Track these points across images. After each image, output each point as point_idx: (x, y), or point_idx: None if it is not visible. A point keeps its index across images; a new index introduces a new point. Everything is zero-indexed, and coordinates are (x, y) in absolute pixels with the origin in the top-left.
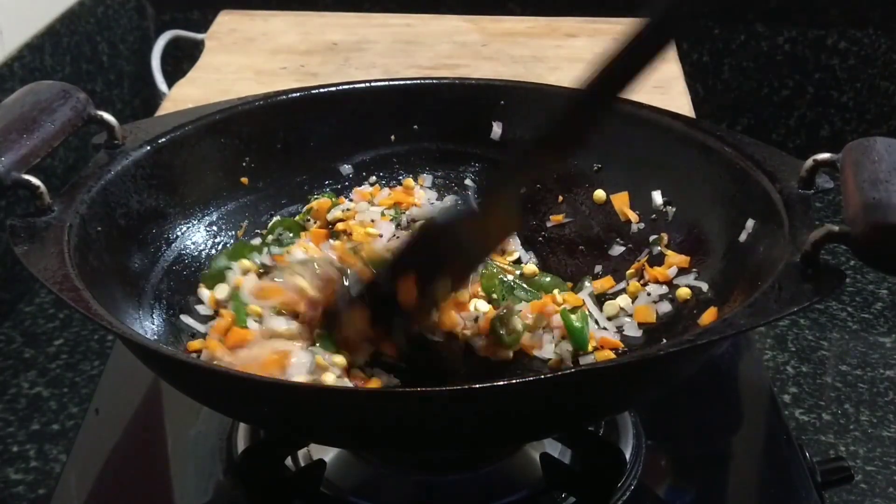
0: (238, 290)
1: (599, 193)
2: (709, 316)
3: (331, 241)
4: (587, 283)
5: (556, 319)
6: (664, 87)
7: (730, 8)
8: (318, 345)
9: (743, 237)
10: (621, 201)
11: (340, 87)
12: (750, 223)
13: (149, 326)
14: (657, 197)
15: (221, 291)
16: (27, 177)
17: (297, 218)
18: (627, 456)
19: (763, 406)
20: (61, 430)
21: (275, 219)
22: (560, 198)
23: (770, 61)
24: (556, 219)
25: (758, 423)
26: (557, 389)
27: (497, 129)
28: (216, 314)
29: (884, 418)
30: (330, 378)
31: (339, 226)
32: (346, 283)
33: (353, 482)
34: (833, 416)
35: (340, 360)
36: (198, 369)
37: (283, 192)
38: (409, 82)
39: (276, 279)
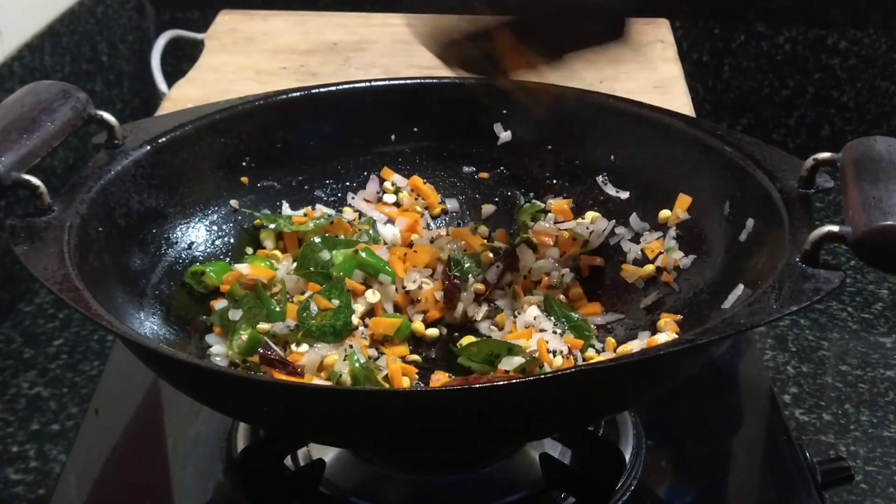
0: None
1: (665, 213)
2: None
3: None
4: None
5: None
6: (664, 87)
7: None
8: None
9: (743, 236)
10: (681, 204)
11: (340, 87)
12: (750, 222)
13: (149, 326)
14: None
15: None
16: (27, 177)
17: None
18: (627, 456)
19: (763, 406)
20: (61, 431)
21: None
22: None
23: (770, 61)
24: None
25: (758, 423)
26: (557, 389)
27: (498, 130)
28: None
29: (884, 418)
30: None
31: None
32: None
33: (352, 482)
34: (833, 417)
35: None
36: (198, 369)
37: (284, 191)
38: (409, 82)
39: None
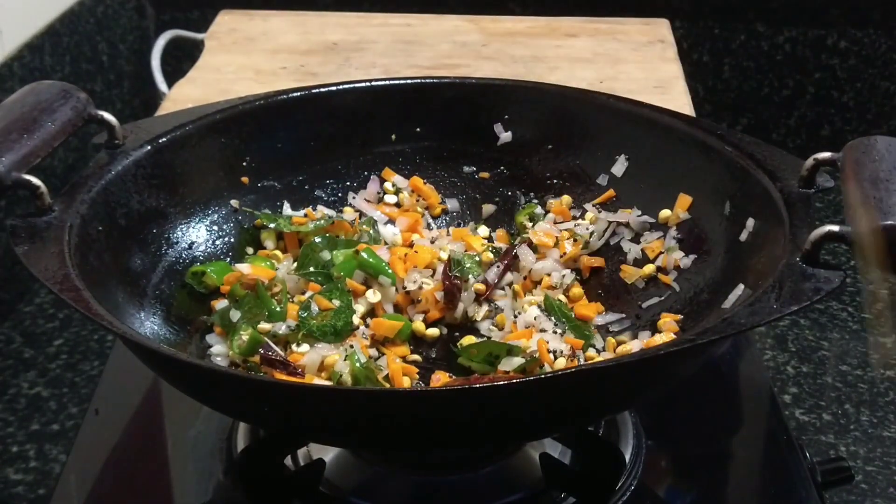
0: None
1: (665, 213)
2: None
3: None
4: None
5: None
6: (664, 87)
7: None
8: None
9: (744, 236)
10: (681, 204)
11: (340, 87)
12: (751, 222)
13: (150, 326)
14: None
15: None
16: (27, 177)
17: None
18: (627, 456)
19: (763, 406)
20: (61, 430)
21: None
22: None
23: (770, 61)
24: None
25: (758, 423)
26: (557, 389)
27: (498, 129)
28: None
29: (884, 418)
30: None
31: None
32: None
33: (352, 482)
34: (833, 417)
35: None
36: (198, 369)
37: (284, 191)
38: (409, 82)
39: None
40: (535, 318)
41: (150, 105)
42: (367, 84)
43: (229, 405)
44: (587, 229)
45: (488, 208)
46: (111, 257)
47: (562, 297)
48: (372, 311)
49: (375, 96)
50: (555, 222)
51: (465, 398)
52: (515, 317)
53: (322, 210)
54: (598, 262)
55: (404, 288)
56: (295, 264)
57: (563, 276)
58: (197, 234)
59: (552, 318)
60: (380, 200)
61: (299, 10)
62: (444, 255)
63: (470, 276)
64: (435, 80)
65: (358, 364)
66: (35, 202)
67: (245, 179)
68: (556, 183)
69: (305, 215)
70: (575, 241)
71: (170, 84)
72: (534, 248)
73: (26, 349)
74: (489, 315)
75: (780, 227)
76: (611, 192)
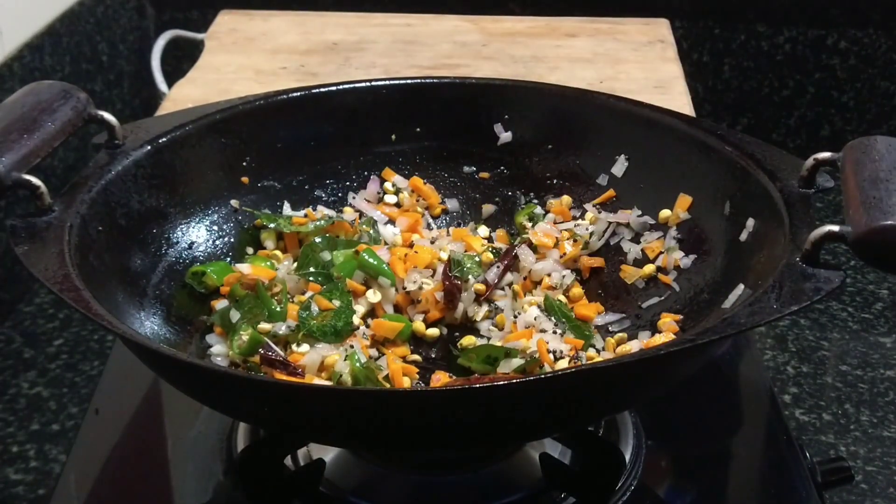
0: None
1: (665, 213)
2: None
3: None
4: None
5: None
6: (664, 87)
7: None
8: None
9: (744, 236)
10: (681, 204)
11: (340, 87)
12: (751, 222)
13: (150, 326)
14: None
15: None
16: (27, 177)
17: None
18: (627, 456)
19: (763, 406)
20: (61, 430)
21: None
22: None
23: (770, 61)
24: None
25: (758, 423)
26: (557, 389)
27: (498, 129)
28: None
29: (884, 418)
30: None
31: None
32: None
33: (352, 482)
34: (833, 417)
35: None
36: (198, 369)
37: (284, 191)
38: (409, 82)
39: None
40: (535, 319)
41: (150, 105)
42: (367, 84)
43: (229, 405)
44: (587, 229)
45: (488, 208)
46: (111, 257)
47: (562, 298)
48: (372, 312)
49: (375, 96)
50: (555, 222)
51: (465, 398)
52: (515, 317)
53: (322, 210)
54: (598, 262)
55: (404, 288)
56: (295, 264)
57: (563, 276)
58: (197, 234)
59: (552, 318)
60: (380, 200)
61: (299, 10)
62: (444, 256)
63: (470, 276)
64: (435, 80)
65: (358, 364)
66: (35, 202)
67: (245, 179)
68: (556, 183)
69: (305, 215)
70: (575, 241)
71: (170, 84)
72: (534, 248)
73: (26, 349)
74: (489, 315)
75: (780, 227)
76: (611, 192)
